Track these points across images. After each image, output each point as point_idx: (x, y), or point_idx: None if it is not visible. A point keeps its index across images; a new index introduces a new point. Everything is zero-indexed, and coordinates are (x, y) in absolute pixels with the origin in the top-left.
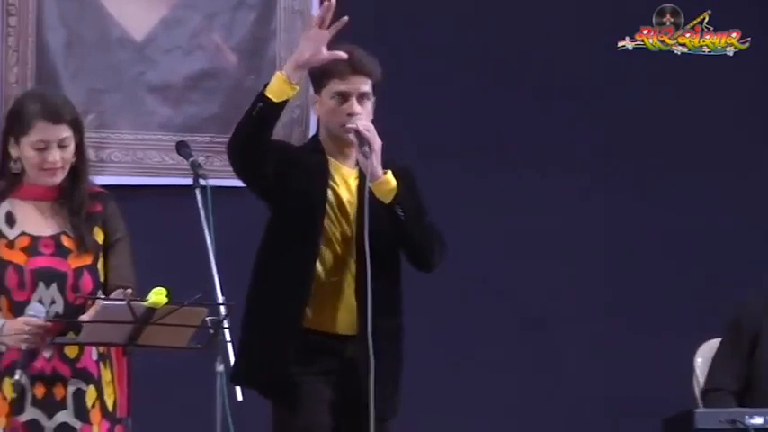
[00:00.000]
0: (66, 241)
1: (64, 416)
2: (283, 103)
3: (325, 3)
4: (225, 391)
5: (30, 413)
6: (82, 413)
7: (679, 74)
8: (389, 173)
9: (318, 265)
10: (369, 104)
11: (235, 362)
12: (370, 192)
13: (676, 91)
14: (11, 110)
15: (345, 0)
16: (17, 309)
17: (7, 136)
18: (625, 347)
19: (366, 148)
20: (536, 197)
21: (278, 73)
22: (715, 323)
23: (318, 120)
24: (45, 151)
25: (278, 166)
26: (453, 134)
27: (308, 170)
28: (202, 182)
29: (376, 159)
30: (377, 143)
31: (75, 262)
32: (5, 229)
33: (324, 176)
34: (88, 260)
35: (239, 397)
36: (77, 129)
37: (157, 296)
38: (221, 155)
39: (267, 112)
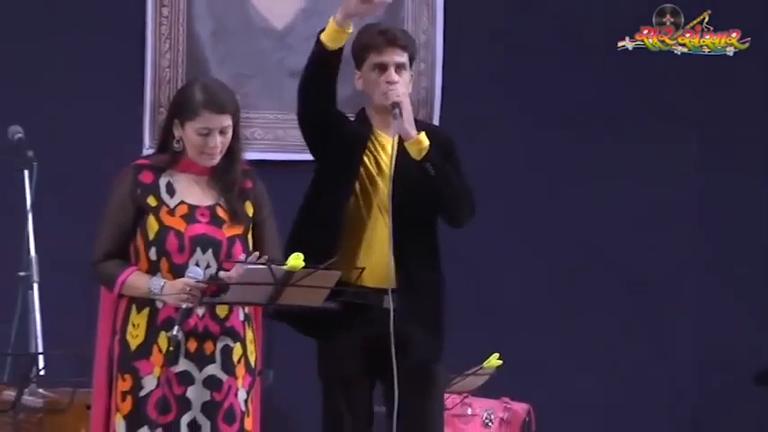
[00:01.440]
0: (220, 212)
1: (212, 369)
2: (338, 51)
3: None
4: None
5: (183, 365)
6: (228, 367)
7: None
8: (423, 134)
9: (360, 221)
10: (406, 75)
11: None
12: (406, 154)
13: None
14: (178, 96)
15: None
16: (175, 271)
17: (172, 118)
18: (719, 305)
19: (396, 111)
20: (639, 169)
21: (330, 20)
22: None
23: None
24: (207, 136)
25: (332, 129)
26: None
27: (350, 138)
28: None
29: (407, 122)
30: (407, 107)
31: (228, 231)
32: (167, 198)
33: (363, 143)
34: (239, 230)
35: None
36: (236, 116)
37: (295, 260)
38: None
39: (321, 56)
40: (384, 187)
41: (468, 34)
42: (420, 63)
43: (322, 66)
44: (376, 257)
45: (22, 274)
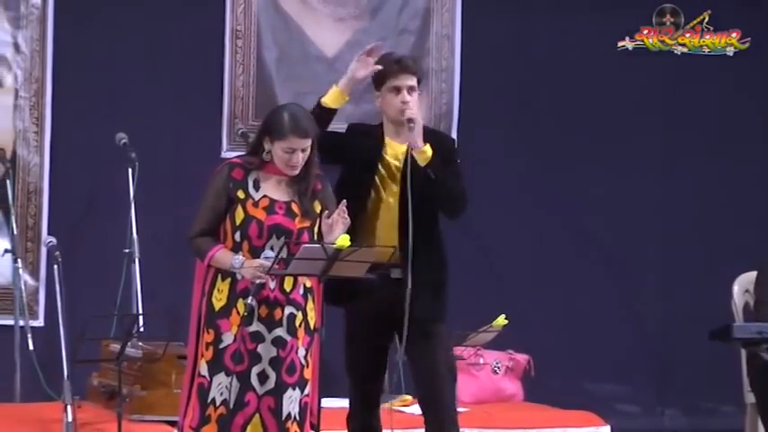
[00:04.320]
0: (294, 207)
1: (279, 331)
2: (335, 110)
3: (376, 44)
4: None
5: (255, 326)
6: (292, 330)
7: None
8: (428, 145)
9: (377, 211)
10: (415, 94)
11: (326, 287)
12: (413, 158)
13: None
14: (270, 118)
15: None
16: (254, 252)
17: (264, 134)
18: (684, 276)
19: (411, 125)
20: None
21: (334, 86)
22: (749, 259)
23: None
24: (292, 154)
25: (343, 142)
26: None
27: (367, 145)
28: None
29: (417, 134)
30: (419, 123)
31: (299, 223)
32: (252, 192)
33: (378, 150)
34: (307, 223)
35: None
36: (314, 137)
37: (343, 240)
38: None
39: (322, 114)
40: (393, 186)
41: (479, 61)
42: (442, 84)
43: (320, 121)
44: (386, 241)
45: (126, 250)
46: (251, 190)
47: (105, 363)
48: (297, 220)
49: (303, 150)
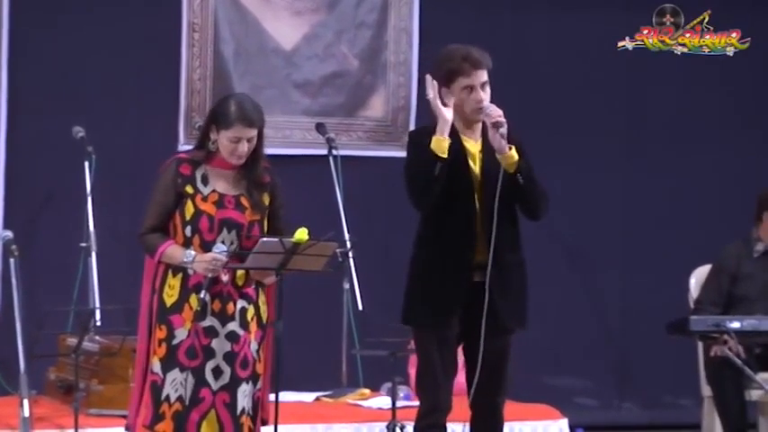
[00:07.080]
0: (243, 201)
1: (232, 325)
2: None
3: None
4: (350, 303)
5: (209, 321)
6: (244, 324)
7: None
8: (513, 149)
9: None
10: (488, 89)
11: (410, 305)
12: (491, 158)
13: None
14: (217, 107)
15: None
16: (205, 246)
17: (210, 124)
18: (641, 270)
19: (502, 130)
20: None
21: (435, 137)
22: (705, 253)
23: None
24: (237, 143)
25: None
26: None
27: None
28: (334, 152)
29: (504, 138)
30: (505, 125)
31: (249, 216)
32: (201, 187)
33: (461, 149)
34: (258, 216)
35: (360, 307)
36: (261, 127)
37: (301, 234)
38: (347, 133)
39: (439, 167)
40: (473, 186)
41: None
42: (400, 77)
43: (439, 177)
44: (480, 246)
45: (83, 244)
46: (199, 185)
47: (62, 357)
48: (247, 213)
49: (249, 140)
